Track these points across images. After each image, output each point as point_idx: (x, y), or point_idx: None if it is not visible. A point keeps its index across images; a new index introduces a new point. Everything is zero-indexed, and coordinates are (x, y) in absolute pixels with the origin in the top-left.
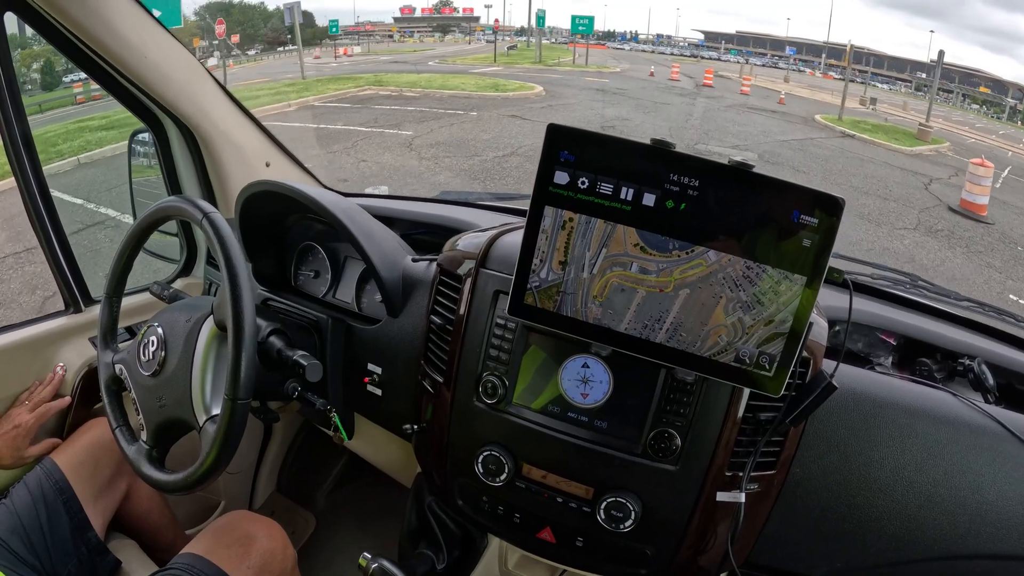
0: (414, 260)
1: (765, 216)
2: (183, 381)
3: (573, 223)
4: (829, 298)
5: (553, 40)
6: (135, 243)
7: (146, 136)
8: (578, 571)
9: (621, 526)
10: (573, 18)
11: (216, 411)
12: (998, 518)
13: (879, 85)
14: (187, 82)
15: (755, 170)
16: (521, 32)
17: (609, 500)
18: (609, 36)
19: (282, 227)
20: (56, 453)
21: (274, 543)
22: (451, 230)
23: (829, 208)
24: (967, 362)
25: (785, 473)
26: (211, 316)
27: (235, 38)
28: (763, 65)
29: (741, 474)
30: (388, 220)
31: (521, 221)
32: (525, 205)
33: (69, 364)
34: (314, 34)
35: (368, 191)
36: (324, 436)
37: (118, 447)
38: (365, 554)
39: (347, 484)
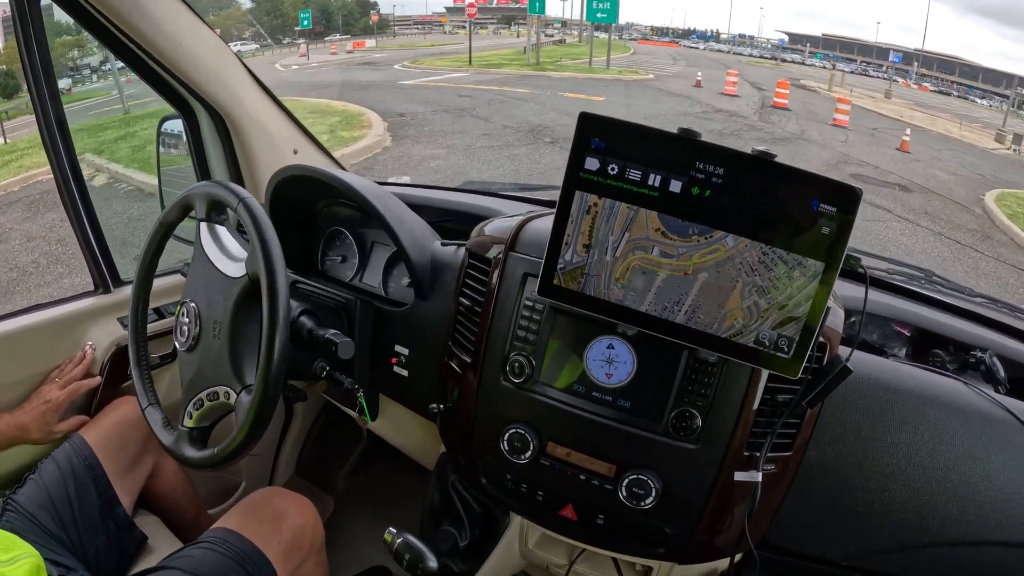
0: (443, 244)
1: (785, 204)
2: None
3: (597, 208)
4: (844, 290)
5: (618, 36)
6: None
7: (175, 124)
8: (597, 550)
9: (642, 503)
10: (588, 3)
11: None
12: (1007, 505)
13: (977, 100)
14: (219, 69)
15: (777, 159)
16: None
17: (631, 477)
18: (687, 34)
19: (311, 212)
20: (84, 430)
21: (305, 519)
22: (477, 218)
23: (848, 197)
24: (979, 354)
25: (801, 455)
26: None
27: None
28: (852, 72)
29: (758, 454)
30: (415, 208)
31: (544, 210)
32: (548, 196)
33: (98, 343)
34: (378, 23)
35: (391, 180)
36: (344, 420)
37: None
38: (391, 529)
39: (366, 468)
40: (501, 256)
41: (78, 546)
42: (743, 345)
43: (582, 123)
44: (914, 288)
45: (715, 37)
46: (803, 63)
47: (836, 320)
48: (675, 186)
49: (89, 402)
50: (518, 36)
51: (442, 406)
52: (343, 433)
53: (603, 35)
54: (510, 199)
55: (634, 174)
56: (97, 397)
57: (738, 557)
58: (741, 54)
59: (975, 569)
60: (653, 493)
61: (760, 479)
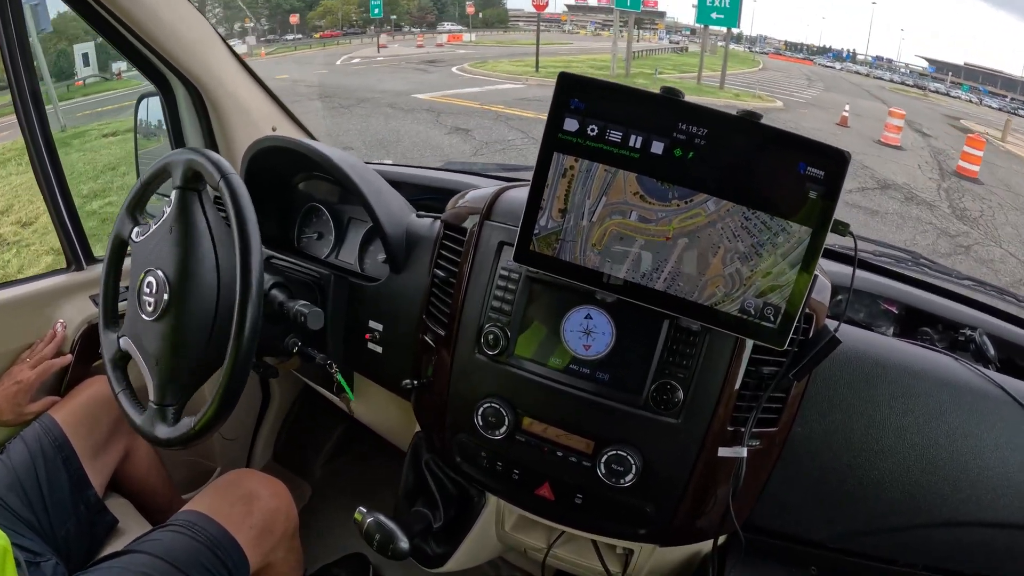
0: (418, 216)
1: (771, 167)
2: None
3: (574, 171)
4: (830, 268)
5: (749, 47)
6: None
7: (153, 100)
8: (576, 532)
9: (621, 481)
10: (700, 2)
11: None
12: (999, 484)
13: None
14: (198, 43)
15: (762, 121)
16: (739, 38)
17: (610, 454)
18: (822, 51)
19: (287, 187)
20: (55, 410)
21: (278, 503)
22: (456, 194)
23: (836, 161)
24: (968, 332)
25: (787, 431)
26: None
27: (294, 18)
28: (1001, 110)
29: (743, 429)
30: (395, 184)
31: (522, 183)
32: (529, 175)
33: (69, 321)
34: (497, 16)
35: (374, 161)
36: (321, 405)
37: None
38: (361, 508)
39: (343, 454)
40: (476, 227)
41: (47, 530)
42: (727, 313)
43: (561, 83)
44: (901, 270)
45: (851, 57)
46: (947, 94)
47: (823, 291)
48: (657, 147)
49: (59, 381)
50: (638, 41)
51: (415, 382)
52: (321, 419)
53: (736, 46)
54: (491, 178)
55: (614, 135)
56: (68, 376)
57: (722, 539)
58: (881, 78)
59: (965, 551)
60: (633, 470)
61: (745, 455)
